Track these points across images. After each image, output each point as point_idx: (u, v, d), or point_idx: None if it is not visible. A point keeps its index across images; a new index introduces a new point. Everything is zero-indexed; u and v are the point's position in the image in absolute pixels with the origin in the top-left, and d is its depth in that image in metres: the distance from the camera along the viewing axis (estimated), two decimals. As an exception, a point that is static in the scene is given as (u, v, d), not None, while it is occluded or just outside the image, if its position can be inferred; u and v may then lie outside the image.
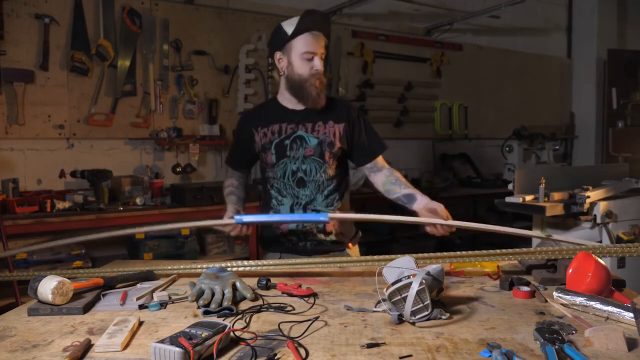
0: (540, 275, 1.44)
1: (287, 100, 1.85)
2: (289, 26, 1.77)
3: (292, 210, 1.82)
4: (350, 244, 1.88)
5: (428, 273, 1.17)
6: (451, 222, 1.59)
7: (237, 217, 1.66)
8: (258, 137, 1.86)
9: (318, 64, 1.75)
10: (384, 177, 1.84)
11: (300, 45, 1.75)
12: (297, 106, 1.83)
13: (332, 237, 1.83)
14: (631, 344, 0.98)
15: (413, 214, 1.68)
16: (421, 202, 1.69)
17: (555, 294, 1.24)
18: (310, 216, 1.77)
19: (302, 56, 1.75)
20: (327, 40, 1.80)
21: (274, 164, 1.83)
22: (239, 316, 1.20)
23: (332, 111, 1.84)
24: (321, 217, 1.67)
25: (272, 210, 1.86)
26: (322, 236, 1.82)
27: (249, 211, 1.91)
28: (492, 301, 1.29)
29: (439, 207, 1.62)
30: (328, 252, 1.83)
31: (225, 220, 1.70)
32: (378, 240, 4.23)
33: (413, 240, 4.26)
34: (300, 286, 1.39)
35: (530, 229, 3.12)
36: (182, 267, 1.59)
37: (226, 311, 1.22)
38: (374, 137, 1.90)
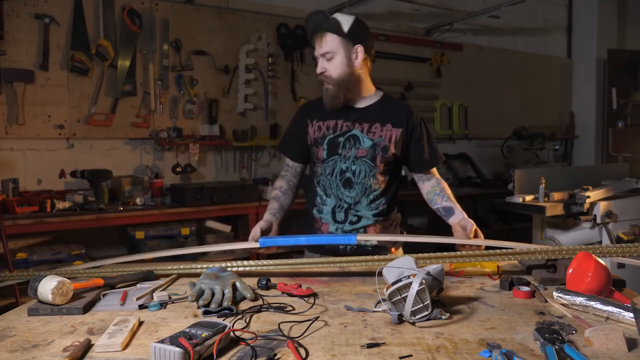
0: (540, 275, 1.44)
1: None
2: (305, 29, 1.82)
3: (334, 212, 1.78)
4: (392, 249, 1.82)
5: (428, 273, 1.17)
6: (479, 241, 1.59)
7: (262, 240, 1.64)
8: (312, 130, 1.82)
9: (319, 66, 1.74)
10: (430, 187, 1.83)
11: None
12: (356, 104, 1.79)
13: (374, 242, 1.77)
14: (631, 344, 0.98)
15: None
16: (457, 217, 1.70)
17: (555, 294, 1.24)
18: (338, 238, 1.72)
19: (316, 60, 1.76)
20: (338, 33, 1.72)
21: (324, 160, 1.78)
22: (239, 316, 1.20)
23: (392, 114, 1.79)
24: (350, 239, 1.64)
25: (316, 208, 1.83)
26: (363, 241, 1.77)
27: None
28: (492, 301, 1.29)
29: (470, 225, 1.63)
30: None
31: (249, 245, 1.67)
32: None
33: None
34: (300, 286, 1.39)
35: (530, 229, 3.12)
36: (182, 267, 1.59)
37: (226, 311, 1.22)
38: (432, 147, 1.84)
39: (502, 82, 5.66)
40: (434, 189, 1.82)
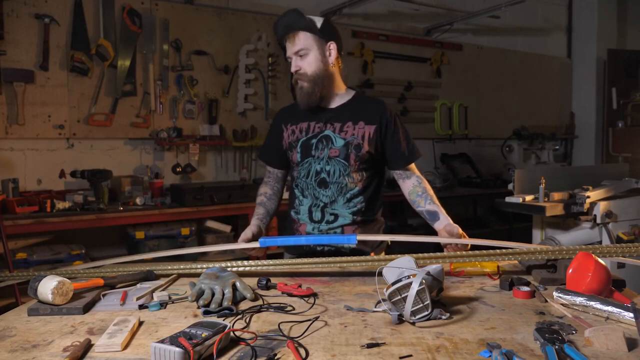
0: (540, 275, 1.44)
1: None
2: (275, 30, 1.79)
3: (310, 211, 1.78)
4: (372, 253, 1.79)
5: (428, 273, 1.17)
6: (468, 240, 1.59)
7: (262, 240, 1.64)
8: (286, 134, 1.83)
9: (293, 64, 1.74)
10: (411, 186, 1.80)
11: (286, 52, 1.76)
12: (328, 104, 1.80)
13: (353, 245, 1.73)
14: (631, 344, 0.98)
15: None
16: (442, 222, 1.69)
17: (555, 294, 1.23)
18: (338, 238, 1.72)
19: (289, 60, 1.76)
20: (311, 30, 1.71)
21: (299, 163, 1.79)
22: (239, 316, 1.20)
23: (365, 112, 1.77)
24: (350, 240, 1.63)
25: (294, 210, 1.84)
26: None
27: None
28: (492, 301, 1.29)
29: (457, 229, 1.62)
30: None
31: (249, 245, 1.68)
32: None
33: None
34: (300, 286, 1.38)
35: (530, 229, 3.12)
36: (182, 267, 1.59)
37: (226, 311, 1.22)
38: (408, 142, 1.81)
39: (502, 82, 5.67)
40: (416, 189, 1.79)
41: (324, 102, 1.79)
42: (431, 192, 1.78)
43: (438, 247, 1.66)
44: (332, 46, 1.75)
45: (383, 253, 1.85)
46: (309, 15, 1.74)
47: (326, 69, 1.74)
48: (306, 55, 1.72)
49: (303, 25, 1.72)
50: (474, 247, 1.61)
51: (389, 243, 1.90)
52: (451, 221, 1.69)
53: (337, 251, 1.76)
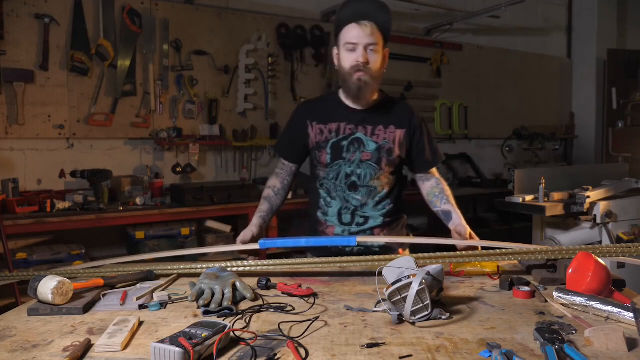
0: (540, 275, 1.44)
1: (346, 97, 1.76)
2: (338, 13, 1.70)
3: (339, 214, 1.76)
4: (400, 250, 1.79)
5: (428, 273, 1.17)
6: (478, 242, 1.62)
7: (262, 242, 1.64)
8: (313, 133, 1.77)
9: (360, 55, 1.62)
10: (430, 187, 1.82)
11: (345, 35, 1.65)
12: (357, 105, 1.75)
13: (381, 243, 1.75)
14: (631, 344, 0.98)
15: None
16: (454, 222, 1.71)
17: (555, 294, 1.23)
18: (338, 240, 1.71)
19: (345, 47, 1.65)
20: (383, 31, 1.67)
21: (328, 164, 1.75)
22: (239, 316, 1.20)
23: (395, 115, 1.76)
24: (349, 241, 1.64)
25: (320, 211, 1.80)
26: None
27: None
28: (492, 301, 1.29)
29: (464, 230, 1.65)
30: None
31: (249, 246, 1.67)
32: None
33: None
34: (300, 286, 1.38)
35: (530, 229, 3.12)
36: (182, 267, 1.59)
37: (226, 311, 1.22)
38: (432, 147, 1.82)
39: (502, 82, 5.66)
40: (434, 190, 1.81)
41: (360, 102, 1.75)
42: (448, 192, 1.80)
43: (438, 248, 1.66)
44: (387, 52, 1.73)
45: (407, 250, 1.84)
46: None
47: (382, 73, 1.72)
48: (376, 52, 1.65)
49: (383, 22, 1.67)
50: (474, 247, 1.61)
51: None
52: (464, 221, 1.71)
53: (368, 250, 1.75)
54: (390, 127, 1.75)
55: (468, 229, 1.65)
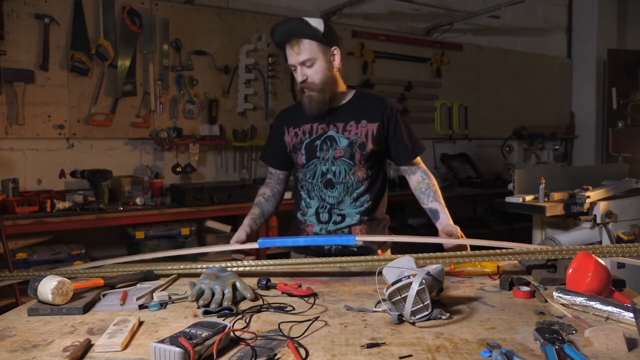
0: (540, 275, 1.44)
1: None
2: (273, 36, 1.75)
3: (317, 213, 1.78)
4: (379, 251, 1.80)
5: (428, 273, 1.17)
6: (466, 240, 1.62)
7: (261, 241, 1.65)
8: (289, 137, 1.83)
9: (298, 75, 1.70)
10: (416, 182, 1.82)
11: (287, 57, 1.72)
12: (329, 105, 1.77)
13: (359, 243, 1.74)
14: (631, 344, 0.98)
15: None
16: (442, 222, 1.71)
17: (555, 294, 1.24)
18: (337, 239, 1.72)
19: (290, 68, 1.73)
20: (316, 38, 1.67)
21: (304, 165, 1.79)
22: (239, 316, 1.20)
23: (367, 110, 1.77)
24: (348, 240, 1.64)
25: (300, 212, 1.84)
26: None
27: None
28: (492, 301, 1.29)
29: (455, 230, 1.65)
30: None
31: (249, 245, 1.69)
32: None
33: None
34: (300, 286, 1.39)
35: (530, 229, 3.12)
36: (182, 267, 1.59)
37: (226, 311, 1.22)
38: (411, 137, 1.82)
39: (502, 82, 5.66)
40: (420, 185, 1.81)
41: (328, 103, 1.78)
42: (435, 187, 1.79)
43: (439, 248, 1.66)
44: (336, 51, 1.73)
45: (389, 251, 1.85)
46: (310, 18, 1.71)
47: (332, 74, 1.74)
48: (312, 64, 1.69)
49: (308, 34, 1.68)
50: (474, 247, 1.61)
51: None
52: (451, 221, 1.70)
53: (345, 250, 1.75)
54: (362, 122, 1.76)
55: (457, 229, 1.65)
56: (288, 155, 1.87)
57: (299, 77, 1.71)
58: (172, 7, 3.76)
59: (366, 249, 1.76)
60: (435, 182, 1.82)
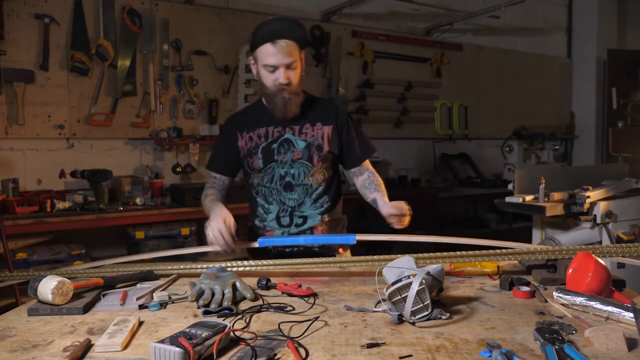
0: (540, 275, 1.44)
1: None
2: (254, 32, 1.67)
3: (278, 218, 1.76)
4: (340, 250, 1.81)
5: (428, 273, 1.17)
6: (476, 241, 1.62)
7: (261, 240, 1.64)
8: (243, 142, 1.79)
9: (281, 76, 1.65)
10: (361, 182, 1.83)
11: (263, 56, 1.65)
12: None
13: (320, 243, 1.74)
14: (631, 344, 0.98)
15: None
16: (384, 205, 1.67)
17: (555, 294, 1.23)
18: (336, 238, 1.72)
19: (265, 68, 1.66)
20: (300, 41, 1.68)
21: (261, 169, 1.76)
22: (239, 316, 1.20)
23: (321, 112, 1.78)
24: (349, 239, 1.63)
25: (258, 219, 1.81)
26: None
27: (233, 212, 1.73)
28: (492, 301, 1.29)
29: (398, 204, 1.63)
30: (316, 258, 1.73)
31: (250, 244, 1.67)
32: (378, 240, 4.23)
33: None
34: (300, 286, 1.38)
35: (530, 229, 3.12)
36: (182, 267, 1.59)
37: (226, 311, 1.22)
38: (362, 140, 1.84)
39: (502, 82, 5.67)
40: (364, 183, 1.81)
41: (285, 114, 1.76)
42: (378, 181, 1.80)
43: (439, 248, 1.66)
44: (303, 55, 1.73)
45: (349, 251, 1.86)
46: (291, 19, 1.70)
47: (303, 77, 1.74)
48: (295, 67, 1.68)
49: (297, 37, 1.67)
50: (474, 247, 1.60)
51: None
52: (387, 203, 1.68)
53: (307, 250, 1.74)
54: (317, 124, 1.77)
55: (400, 203, 1.63)
56: (237, 162, 1.84)
57: (282, 79, 1.65)
58: (172, 7, 3.76)
59: (327, 249, 1.76)
60: (379, 179, 1.82)
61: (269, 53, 1.64)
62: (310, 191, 1.76)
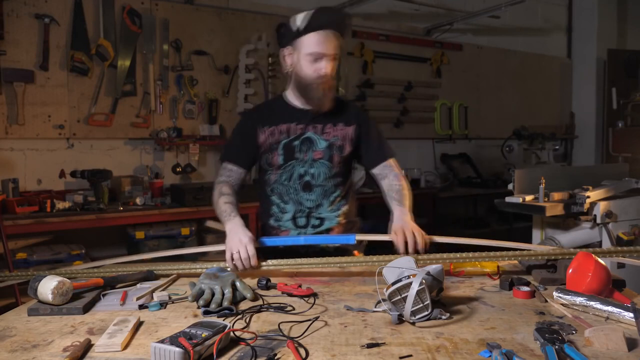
0: (540, 275, 1.44)
1: (295, 98, 1.75)
2: (300, 21, 1.65)
3: (294, 219, 1.74)
4: (356, 252, 1.78)
5: (428, 273, 1.17)
6: (476, 241, 1.61)
7: (261, 240, 1.62)
8: (264, 137, 1.74)
9: (325, 66, 1.63)
10: (386, 187, 1.76)
11: (309, 44, 1.63)
12: (306, 106, 1.73)
13: (336, 244, 1.73)
14: (631, 344, 0.98)
15: None
16: (392, 225, 1.63)
17: (555, 294, 1.23)
18: (337, 238, 1.70)
19: (309, 56, 1.63)
20: (343, 39, 1.68)
21: (281, 166, 1.73)
22: (239, 316, 1.20)
23: (342, 113, 1.76)
24: (349, 240, 1.62)
25: (273, 218, 1.78)
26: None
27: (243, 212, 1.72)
28: (492, 301, 1.29)
29: (406, 224, 1.57)
30: None
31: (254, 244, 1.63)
32: (378, 240, 4.23)
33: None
34: (300, 286, 1.38)
35: (530, 229, 3.12)
36: (182, 267, 1.59)
37: (226, 311, 1.22)
38: (383, 141, 1.82)
39: (502, 82, 5.67)
40: (388, 189, 1.75)
41: (300, 102, 1.75)
42: (404, 191, 1.72)
43: (439, 248, 1.65)
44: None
45: (363, 253, 1.83)
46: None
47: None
48: (336, 60, 1.68)
49: (345, 31, 1.68)
50: (474, 247, 1.60)
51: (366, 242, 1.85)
52: (408, 217, 1.61)
53: (322, 250, 1.72)
54: (339, 125, 1.75)
55: (409, 225, 1.55)
56: (254, 156, 1.79)
57: (326, 69, 1.63)
58: (172, 7, 3.76)
59: (342, 251, 1.73)
60: (404, 182, 1.76)
61: (318, 41, 1.62)
62: (329, 193, 1.74)
